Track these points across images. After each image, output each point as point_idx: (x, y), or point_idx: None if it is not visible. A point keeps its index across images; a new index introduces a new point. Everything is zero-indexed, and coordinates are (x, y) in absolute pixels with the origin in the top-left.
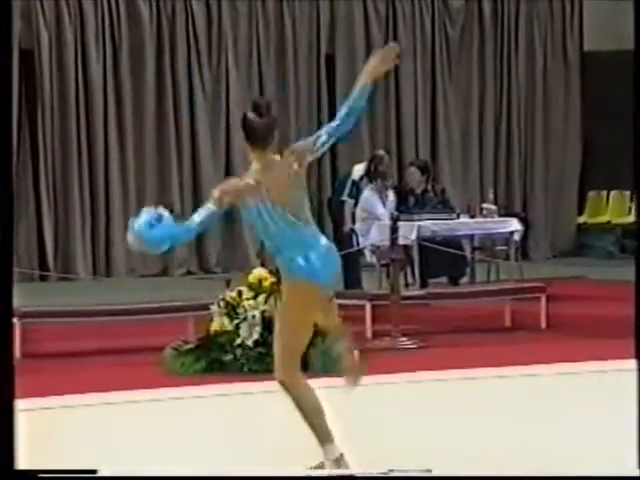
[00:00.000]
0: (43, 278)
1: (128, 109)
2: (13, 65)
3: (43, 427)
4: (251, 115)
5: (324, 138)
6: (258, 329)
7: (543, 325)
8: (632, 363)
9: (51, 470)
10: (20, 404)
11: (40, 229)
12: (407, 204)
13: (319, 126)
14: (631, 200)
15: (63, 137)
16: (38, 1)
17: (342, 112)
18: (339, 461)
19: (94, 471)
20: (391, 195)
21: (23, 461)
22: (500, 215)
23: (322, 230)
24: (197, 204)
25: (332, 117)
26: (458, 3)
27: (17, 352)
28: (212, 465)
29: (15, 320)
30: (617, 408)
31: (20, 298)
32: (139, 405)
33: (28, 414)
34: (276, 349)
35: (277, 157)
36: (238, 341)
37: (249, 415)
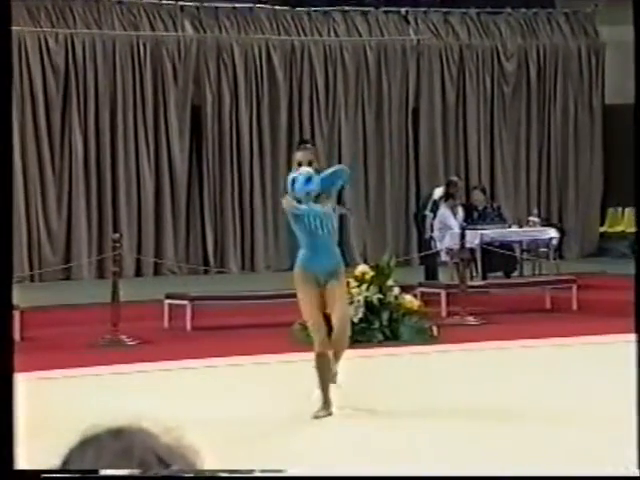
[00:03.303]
0: (206, 272)
1: (267, 147)
2: (187, 117)
3: (209, 382)
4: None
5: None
6: (362, 310)
7: (575, 307)
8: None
9: (51, 470)
10: (188, 364)
11: (204, 236)
12: (472, 217)
13: (407, 163)
14: None
15: (221, 166)
16: (205, 70)
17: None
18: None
19: (95, 471)
20: (460, 210)
21: (189, 406)
22: (542, 225)
23: (409, 236)
24: None
25: (417, 156)
26: (511, 67)
27: (188, 325)
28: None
29: (186, 302)
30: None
31: (189, 287)
32: (284, 364)
33: (193, 371)
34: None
35: None
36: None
37: (356, 372)
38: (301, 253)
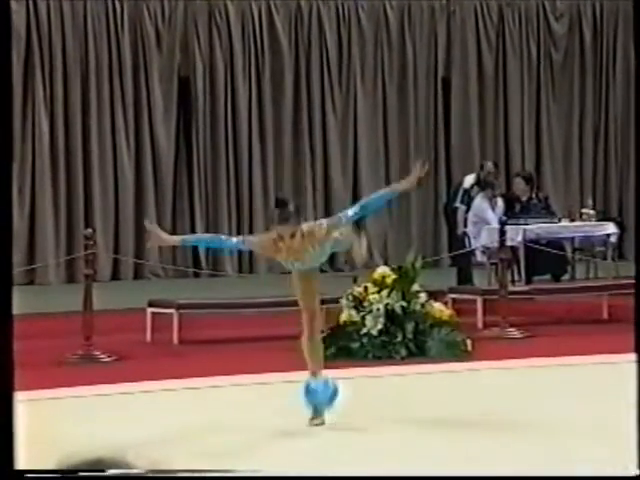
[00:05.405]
0: (196, 275)
1: (269, 128)
2: (173, 90)
3: (191, 403)
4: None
5: (344, 221)
6: (382, 320)
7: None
8: None
9: (54, 470)
10: (174, 384)
11: (194, 233)
12: (514, 210)
13: (436, 145)
14: None
15: (214, 152)
16: (195, 36)
17: (360, 204)
18: None
19: (102, 470)
20: (500, 202)
21: (180, 430)
22: (598, 219)
23: (438, 233)
24: (327, 207)
25: (448, 136)
26: (562, 30)
27: (175, 338)
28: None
29: (173, 311)
30: None
31: (176, 292)
32: (289, 385)
33: (180, 392)
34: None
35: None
36: (364, 330)
37: (374, 393)
38: None
